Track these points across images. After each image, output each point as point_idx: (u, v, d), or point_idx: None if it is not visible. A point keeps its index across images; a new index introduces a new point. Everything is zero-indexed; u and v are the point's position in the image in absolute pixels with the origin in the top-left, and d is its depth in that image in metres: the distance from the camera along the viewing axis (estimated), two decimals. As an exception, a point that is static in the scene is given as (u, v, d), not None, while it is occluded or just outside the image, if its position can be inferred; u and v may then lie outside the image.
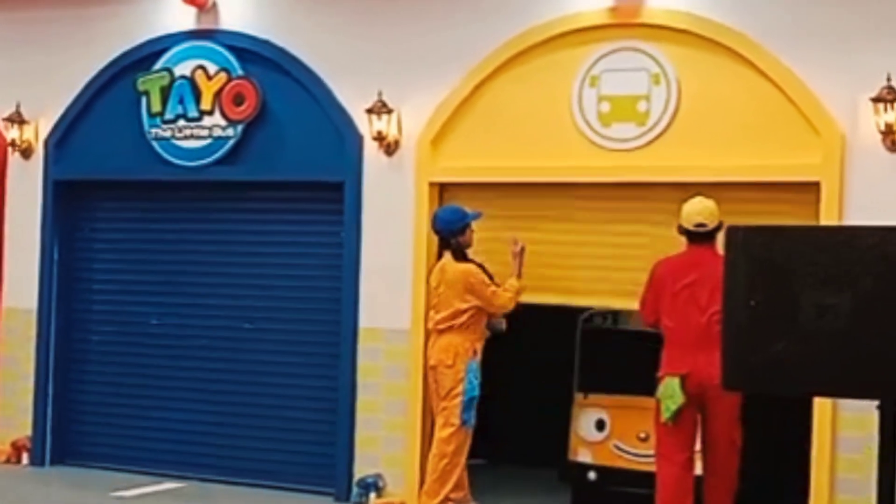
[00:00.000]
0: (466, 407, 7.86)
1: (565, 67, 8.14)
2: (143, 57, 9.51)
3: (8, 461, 9.83)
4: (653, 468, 7.30)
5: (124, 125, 9.55)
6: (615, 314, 8.50)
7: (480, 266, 8.00)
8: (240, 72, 9.11)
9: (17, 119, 9.87)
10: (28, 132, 9.92)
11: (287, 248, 9.20)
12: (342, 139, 8.80)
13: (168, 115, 9.35)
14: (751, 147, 7.65)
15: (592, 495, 8.22)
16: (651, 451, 7.49)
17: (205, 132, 9.23)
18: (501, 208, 8.40)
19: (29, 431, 9.88)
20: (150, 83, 9.42)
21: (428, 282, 8.24)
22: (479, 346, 7.98)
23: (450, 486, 7.91)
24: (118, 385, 9.80)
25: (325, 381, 8.93)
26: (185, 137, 9.30)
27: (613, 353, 8.32)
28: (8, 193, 10.05)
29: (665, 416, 7.02)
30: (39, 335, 9.88)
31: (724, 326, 4.36)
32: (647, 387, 7.32)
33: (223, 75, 9.16)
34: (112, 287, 9.91)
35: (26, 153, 9.95)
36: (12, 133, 9.89)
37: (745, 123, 7.69)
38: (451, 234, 8.04)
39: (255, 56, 9.11)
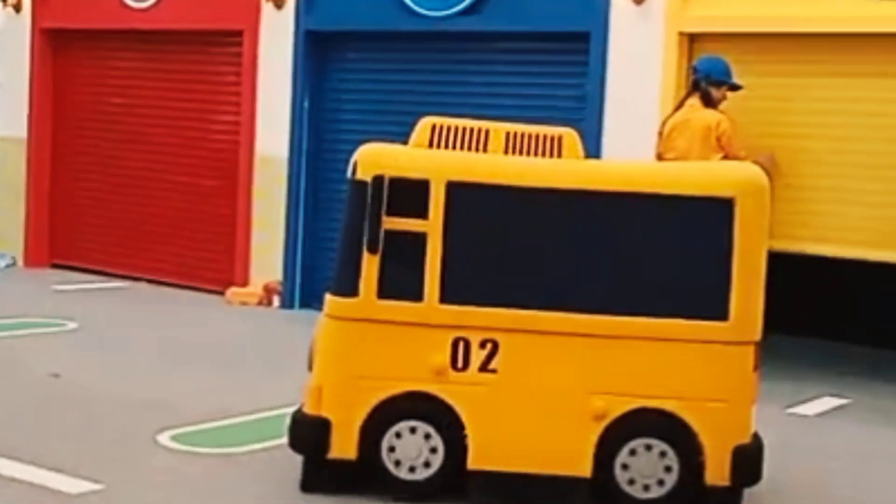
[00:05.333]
0: None
1: None
2: None
3: (260, 303, 10.24)
4: None
5: (373, -25, 9.52)
6: None
7: None
8: (485, -84, 8.88)
9: (269, -32, 10.00)
10: (280, -19, 10.04)
11: (530, 101, 8.97)
12: (589, -13, 8.47)
13: (415, -36, 9.26)
14: None
15: None
16: None
17: (451, -19, 9.09)
18: (757, 63, 7.86)
19: (280, 276, 10.23)
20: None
21: (660, 132, 7.81)
22: None
23: None
24: (363, 234, 9.95)
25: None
26: (432, -13, 9.19)
27: None
28: (261, 43, 10.22)
29: None
30: (290, 183, 10.13)
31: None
32: None
33: (466, -79, 8.96)
34: (358, 137, 9.77)
35: (279, 3, 10.06)
36: (264, -18, 10.03)
37: None
38: (707, 81, 7.59)
39: None
